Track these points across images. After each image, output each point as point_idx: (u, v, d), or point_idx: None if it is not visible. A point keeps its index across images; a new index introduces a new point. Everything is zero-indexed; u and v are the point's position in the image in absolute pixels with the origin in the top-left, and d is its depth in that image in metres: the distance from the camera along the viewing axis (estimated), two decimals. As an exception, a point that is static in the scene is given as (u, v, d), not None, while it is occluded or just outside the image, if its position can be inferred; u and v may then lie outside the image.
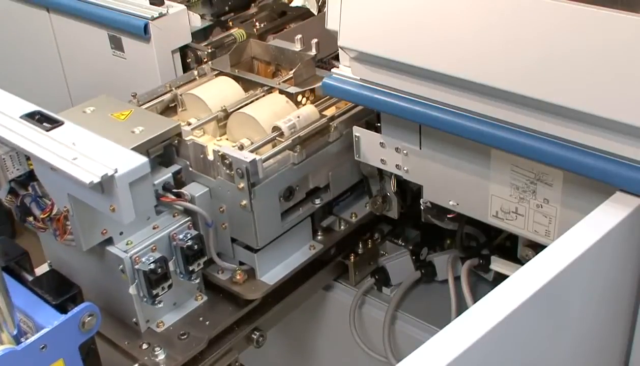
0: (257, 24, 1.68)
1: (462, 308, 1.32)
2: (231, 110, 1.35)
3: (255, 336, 1.27)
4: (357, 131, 1.32)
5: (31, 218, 1.12)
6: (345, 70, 1.23)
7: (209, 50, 1.58)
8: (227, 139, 1.34)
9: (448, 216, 1.31)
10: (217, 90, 1.41)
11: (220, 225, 1.24)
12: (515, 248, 1.31)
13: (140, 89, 1.61)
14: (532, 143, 1.03)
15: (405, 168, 1.28)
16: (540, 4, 0.96)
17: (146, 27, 1.53)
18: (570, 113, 0.97)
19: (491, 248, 1.37)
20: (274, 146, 1.25)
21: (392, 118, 1.25)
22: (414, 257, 1.42)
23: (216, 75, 1.47)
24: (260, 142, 1.25)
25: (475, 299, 1.28)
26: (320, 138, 1.29)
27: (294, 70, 1.41)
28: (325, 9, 1.23)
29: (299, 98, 1.39)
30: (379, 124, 1.29)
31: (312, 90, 1.40)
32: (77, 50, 1.76)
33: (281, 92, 1.39)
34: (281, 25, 1.70)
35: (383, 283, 1.42)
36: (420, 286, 1.43)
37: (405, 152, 1.26)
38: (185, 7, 1.60)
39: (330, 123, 1.31)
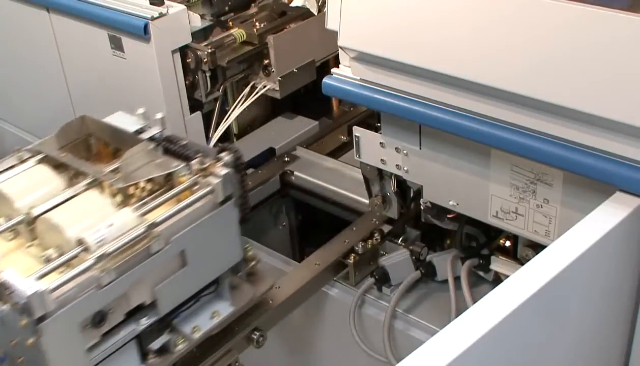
0: (257, 24, 1.68)
1: (462, 308, 1.32)
2: (37, 213, 1.07)
3: (255, 336, 1.27)
4: (357, 131, 1.32)
5: None
6: (345, 70, 1.23)
7: (209, 50, 1.58)
8: (40, 245, 1.08)
9: (448, 216, 1.32)
10: (29, 184, 1.14)
11: (17, 359, 0.99)
12: (515, 248, 1.31)
13: (141, 89, 1.61)
14: (532, 143, 1.03)
15: (405, 168, 1.28)
16: (540, 4, 0.96)
17: (146, 27, 1.53)
18: (570, 113, 0.97)
19: (491, 248, 1.37)
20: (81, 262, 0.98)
21: (392, 118, 1.25)
22: (414, 257, 1.42)
23: (40, 160, 1.18)
24: (64, 257, 0.99)
25: (475, 299, 1.28)
26: (140, 249, 1.02)
27: (122, 158, 1.13)
28: (325, 9, 1.23)
29: (132, 190, 1.12)
30: (379, 124, 1.29)
31: (150, 180, 1.13)
32: (77, 50, 1.76)
33: (111, 184, 1.11)
34: (281, 25, 1.70)
35: (383, 283, 1.42)
36: (420, 286, 1.43)
37: (405, 152, 1.26)
38: (185, 7, 1.59)
39: (152, 231, 1.03)
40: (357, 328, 1.41)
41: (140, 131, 1.21)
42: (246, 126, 1.88)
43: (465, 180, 1.20)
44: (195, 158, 1.13)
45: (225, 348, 1.23)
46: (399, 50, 1.11)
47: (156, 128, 1.21)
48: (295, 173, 1.71)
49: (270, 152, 1.79)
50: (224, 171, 1.11)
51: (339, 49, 1.22)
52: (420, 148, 1.24)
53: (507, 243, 1.36)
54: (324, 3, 1.63)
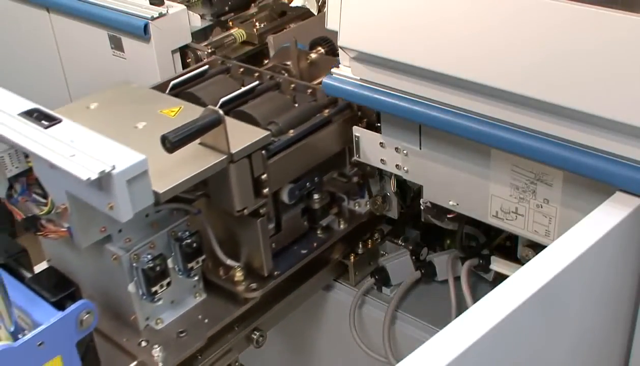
0: (257, 24, 1.68)
1: (462, 308, 1.32)
2: None
3: (255, 336, 1.27)
4: (357, 131, 1.32)
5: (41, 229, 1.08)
6: (345, 70, 1.23)
7: (209, 50, 1.58)
8: None
9: (448, 216, 1.31)
10: None
11: None
12: (515, 248, 1.31)
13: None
14: (532, 143, 1.03)
15: (405, 168, 1.28)
16: (540, 4, 0.96)
17: (146, 27, 1.53)
18: (570, 113, 0.97)
19: (491, 248, 1.36)
20: None
21: (392, 118, 1.24)
22: (414, 257, 1.42)
23: None
24: None
25: (475, 299, 1.28)
26: None
27: None
28: (325, 9, 1.23)
29: None
30: (379, 124, 1.29)
31: None
32: (77, 50, 1.76)
33: None
34: (281, 25, 1.70)
35: (383, 283, 1.42)
36: (420, 286, 1.43)
37: (405, 152, 1.26)
38: (185, 7, 1.60)
39: None
40: (357, 328, 1.41)
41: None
42: (246, 126, 1.88)
43: (465, 180, 1.20)
44: None
45: (225, 348, 1.23)
46: (399, 50, 1.11)
47: None
48: (296, 173, 1.71)
49: (270, 152, 1.78)
50: None
51: (339, 49, 1.22)
52: (420, 148, 1.24)
53: (507, 243, 1.35)
54: (324, 3, 1.63)
